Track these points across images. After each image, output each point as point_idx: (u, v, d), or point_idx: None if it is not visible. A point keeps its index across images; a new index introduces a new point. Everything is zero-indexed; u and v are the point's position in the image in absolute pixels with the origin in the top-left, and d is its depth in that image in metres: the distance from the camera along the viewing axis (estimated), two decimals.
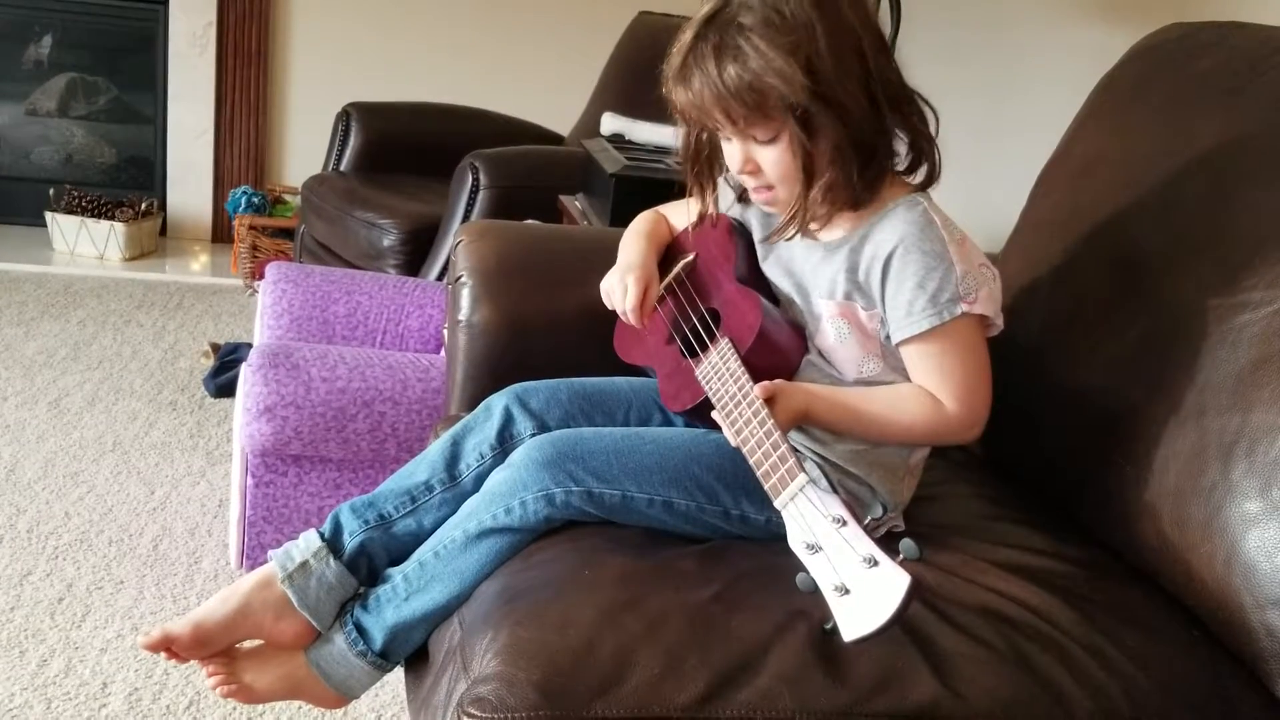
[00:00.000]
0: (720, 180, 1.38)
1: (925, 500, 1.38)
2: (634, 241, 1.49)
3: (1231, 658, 1.17)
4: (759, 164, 1.25)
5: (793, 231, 1.28)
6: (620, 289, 1.43)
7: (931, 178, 1.28)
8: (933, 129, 1.27)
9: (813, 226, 1.30)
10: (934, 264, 1.21)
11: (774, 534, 1.13)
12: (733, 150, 1.26)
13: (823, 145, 1.21)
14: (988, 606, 1.15)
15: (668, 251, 1.51)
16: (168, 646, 1.28)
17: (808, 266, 1.32)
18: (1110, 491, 1.32)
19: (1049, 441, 1.46)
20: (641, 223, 1.53)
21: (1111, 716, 1.06)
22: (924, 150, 1.26)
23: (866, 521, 1.01)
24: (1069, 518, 1.40)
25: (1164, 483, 1.24)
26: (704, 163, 1.34)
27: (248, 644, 1.33)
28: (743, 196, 1.40)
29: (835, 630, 0.96)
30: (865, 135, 1.21)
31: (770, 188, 1.26)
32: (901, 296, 1.23)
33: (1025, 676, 1.07)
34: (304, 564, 1.31)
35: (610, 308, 1.46)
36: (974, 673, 1.06)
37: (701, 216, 1.41)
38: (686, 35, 1.23)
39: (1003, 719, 1.04)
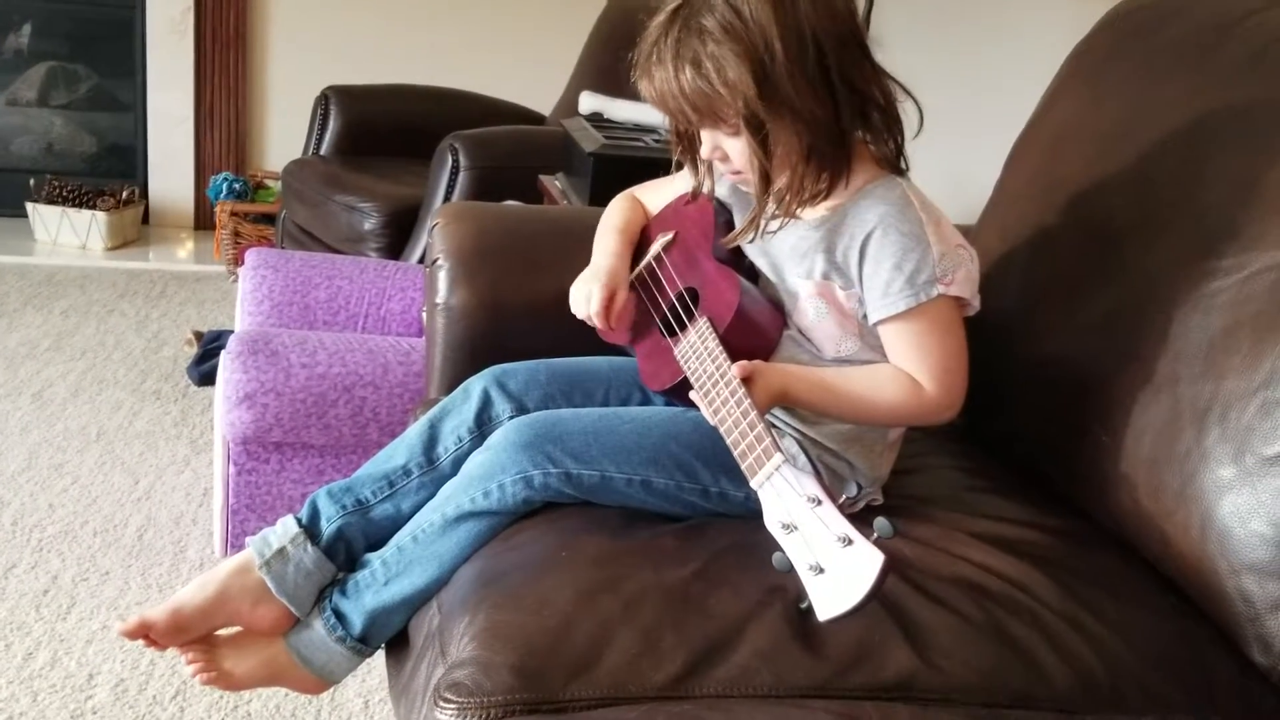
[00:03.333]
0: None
1: (904, 473, 1.38)
2: (605, 239, 1.47)
3: (1207, 623, 1.17)
4: (726, 152, 1.25)
5: (751, 236, 1.30)
6: (583, 300, 1.39)
7: (898, 170, 1.27)
8: (915, 123, 1.27)
9: (773, 225, 1.30)
10: (911, 245, 1.21)
11: (753, 511, 1.13)
12: (704, 136, 1.26)
13: (778, 150, 1.21)
14: (965, 578, 1.15)
15: (645, 232, 1.51)
16: (145, 633, 1.28)
17: (785, 245, 1.32)
18: (1087, 460, 1.32)
19: (1026, 411, 1.46)
20: (613, 214, 1.51)
21: (1089, 685, 1.07)
22: (891, 144, 1.26)
23: (842, 500, 1.00)
24: (1046, 488, 1.41)
25: (1139, 451, 1.25)
26: (690, 143, 1.34)
27: (227, 631, 1.33)
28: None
29: (811, 609, 0.96)
30: (823, 139, 1.21)
31: (739, 172, 1.27)
32: (879, 277, 1.23)
33: (1003, 647, 1.08)
34: (281, 550, 1.30)
35: (579, 317, 1.42)
36: (951, 644, 1.07)
37: (695, 193, 1.40)
38: (651, 30, 1.22)
39: (980, 690, 1.05)
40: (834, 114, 1.20)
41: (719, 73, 1.16)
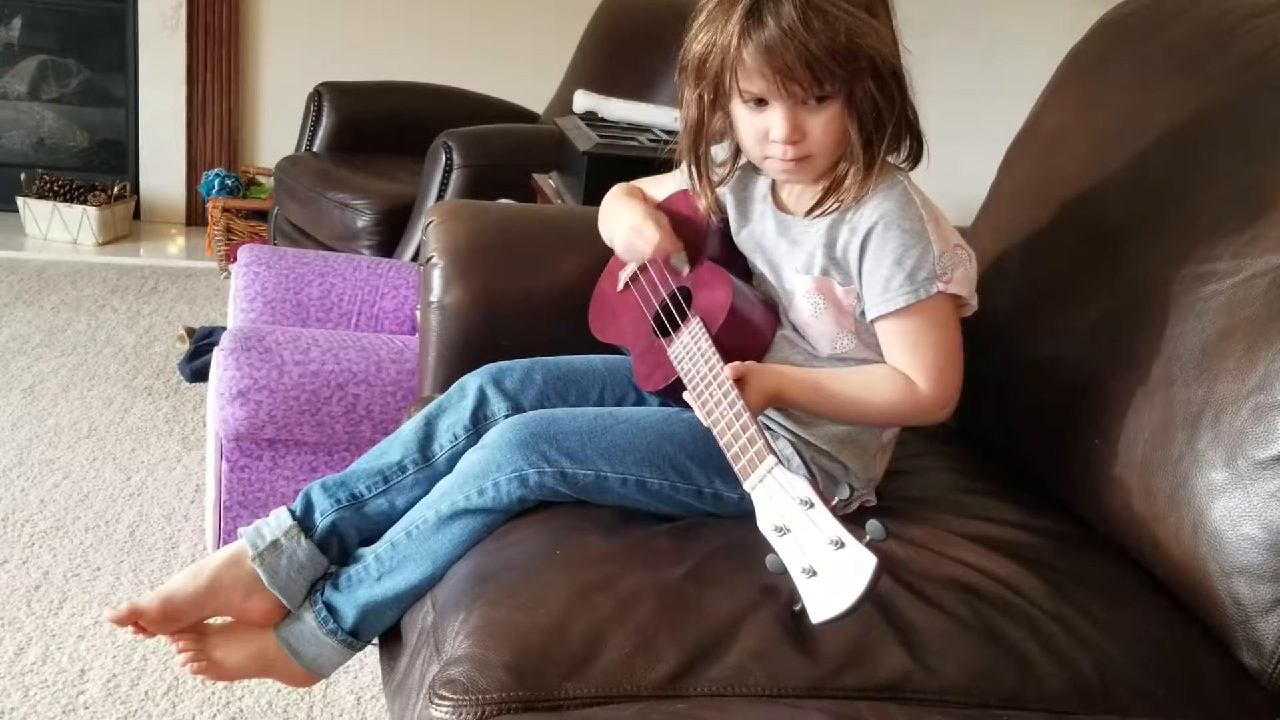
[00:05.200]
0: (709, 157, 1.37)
1: (897, 474, 1.39)
2: (618, 206, 1.46)
3: (1198, 626, 1.18)
4: (806, 130, 1.21)
5: (834, 204, 1.25)
6: (639, 237, 1.39)
7: (919, 158, 1.27)
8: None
9: (788, 206, 1.31)
10: (912, 242, 1.21)
11: (746, 512, 1.13)
12: (769, 118, 1.21)
13: (884, 112, 1.20)
14: (957, 579, 1.15)
15: None
16: (135, 621, 1.28)
17: (783, 242, 1.32)
18: (1080, 463, 1.33)
19: (1019, 414, 1.46)
20: (618, 191, 1.51)
21: (1080, 686, 1.08)
22: (916, 130, 1.25)
23: (835, 502, 1.01)
24: (1039, 490, 1.41)
25: (1132, 454, 1.25)
26: (707, 140, 1.32)
27: (217, 620, 1.33)
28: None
29: (804, 611, 0.96)
30: (909, 106, 1.22)
31: (805, 158, 1.23)
32: (879, 273, 1.23)
33: (995, 648, 1.08)
34: (275, 542, 1.30)
35: (638, 259, 1.43)
36: (943, 645, 1.07)
37: (706, 209, 1.38)
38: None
39: (972, 691, 1.05)
40: (903, 107, 1.21)
41: (862, 22, 1.15)
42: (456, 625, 1.09)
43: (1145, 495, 1.22)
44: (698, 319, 1.26)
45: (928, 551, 1.20)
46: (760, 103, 1.21)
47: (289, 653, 1.30)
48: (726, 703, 1.01)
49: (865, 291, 1.25)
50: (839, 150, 1.22)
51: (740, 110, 1.24)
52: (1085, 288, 1.39)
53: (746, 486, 1.07)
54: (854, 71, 1.17)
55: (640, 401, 1.43)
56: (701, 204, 1.37)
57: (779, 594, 1.09)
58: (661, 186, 1.50)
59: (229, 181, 4.22)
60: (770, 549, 1.01)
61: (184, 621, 1.30)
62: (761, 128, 1.23)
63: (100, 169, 4.57)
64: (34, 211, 4.16)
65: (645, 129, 2.68)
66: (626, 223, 1.42)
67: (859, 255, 1.24)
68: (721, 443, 1.12)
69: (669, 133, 2.53)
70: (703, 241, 1.38)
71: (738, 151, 1.34)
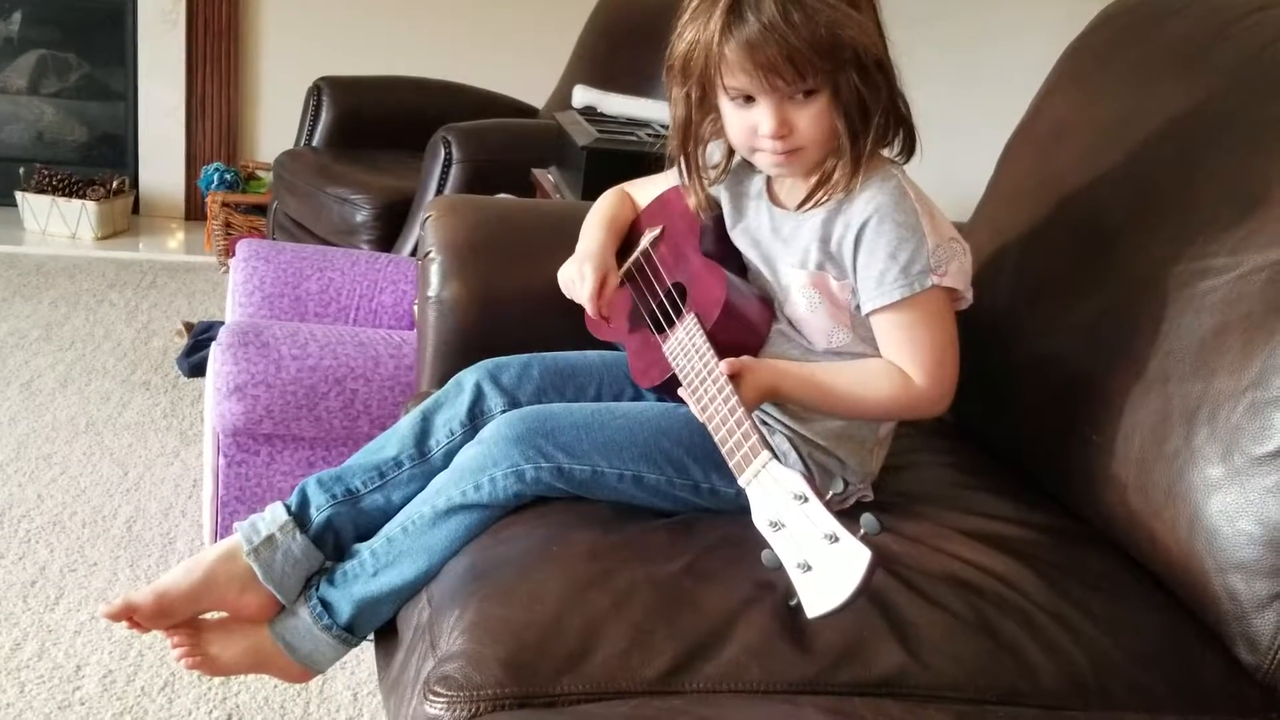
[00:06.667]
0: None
1: (894, 469, 1.39)
2: (593, 229, 1.48)
3: (1194, 621, 1.18)
4: (794, 124, 1.20)
5: (824, 197, 1.25)
6: (578, 278, 1.42)
7: (912, 151, 1.27)
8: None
9: (783, 201, 1.30)
10: (907, 235, 1.21)
11: (743, 507, 1.13)
12: (757, 114, 1.21)
13: (869, 104, 1.20)
14: (954, 575, 1.15)
15: (633, 228, 1.51)
16: (129, 615, 1.27)
17: (778, 237, 1.32)
18: (1076, 459, 1.33)
19: (1017, 409, 1.46)
20: (603, 206, 1.51)
21: (1076, 681, 1.08)
22: (907, 123, 1.25)
23: (829, 496, 1.01)
24: (1036, 485, 1.41)
25: (1129, 450, 1.25)
26: (696, 139, 1.32)
27: (212, 615, 1.32)
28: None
29: (800, 606, 0.96)
30: (897, 98, 1.22)
31: (797, 150, 1.22)
32: (873, 267, 1.23)
33: (991, 644, 1.08)
34: (270, 538, 1.30)
35: (570, 298, 1.45)
36: (940, 641, 1.07)
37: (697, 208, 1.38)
38: None
39: (968, 687, 1.05)
40: (890, 99, 1.21)
41: (842, 14, 1.15)
42: (452, 621, 1.09)
43: (1141, 491, 1.22)
44: (693, 315, 1.26)
45: (924, 547, 1.20)
46: (748, 99, 1.21)
47: (284, 648, 1.30)
48: (722, 699, 1.01)
49: (860, 285, 1.25)
50: (829, 143, 1.22)
51: (728, 107, 1.24)
52: (1083, 283, 1.39)
53: (741, 482, 1.07)
54: (837, 64, 1.17)
55: (637, 397, 1.43)
56: (692, 201, 1.37)
57: (775, 589, 1.09)
58: (657, 186, 1.50)
59: (228, 176, 4.22)
60: (765, 544, 1.01)
61: (179, 616, 1.30)
62: (749, 124, 1.22)
63: (99, 163, 4.57)
64: (32, 206, 4.16)
65: (644, 124, 2.68)
66: (579, 252, 1.44)
67: (853, 249, 1.24)
68: (716, 438, 1.12)
69: (667, 127, 2.52)
70: (696, 238, 1.38)
71: (732, 151, 1.33)
